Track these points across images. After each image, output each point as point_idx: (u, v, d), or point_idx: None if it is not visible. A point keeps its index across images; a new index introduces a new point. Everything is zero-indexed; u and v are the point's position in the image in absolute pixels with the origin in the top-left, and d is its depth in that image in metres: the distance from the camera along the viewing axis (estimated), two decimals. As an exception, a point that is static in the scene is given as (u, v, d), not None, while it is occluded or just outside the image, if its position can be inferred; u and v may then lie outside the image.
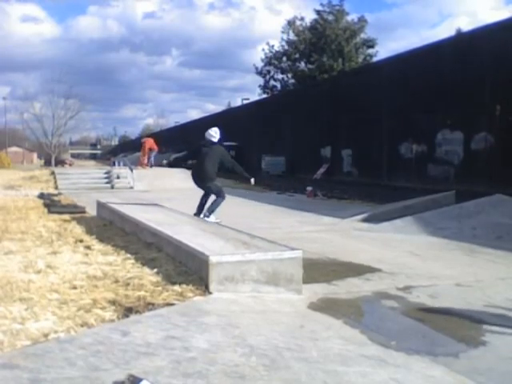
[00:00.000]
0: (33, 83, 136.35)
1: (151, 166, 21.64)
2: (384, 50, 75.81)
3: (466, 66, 13.39)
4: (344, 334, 3.30)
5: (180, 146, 34.99)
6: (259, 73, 40.29)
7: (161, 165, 20.42)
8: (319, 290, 4.39)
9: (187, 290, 3.88)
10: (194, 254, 4.34)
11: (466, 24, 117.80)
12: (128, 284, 4.06)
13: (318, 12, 37.54)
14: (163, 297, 3.73)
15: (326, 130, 21.13)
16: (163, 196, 12.86)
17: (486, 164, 12.63)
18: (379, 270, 5.22)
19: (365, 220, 8.95)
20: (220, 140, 8.66)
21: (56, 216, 8.81)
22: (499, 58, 12.35)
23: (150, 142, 22.34)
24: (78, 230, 7.18)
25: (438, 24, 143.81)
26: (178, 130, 50.03)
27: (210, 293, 3.86)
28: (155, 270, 4.48)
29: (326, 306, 3.94)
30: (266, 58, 39.84)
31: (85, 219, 8.46)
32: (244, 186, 18.72)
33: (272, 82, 40.14)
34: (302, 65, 38.28)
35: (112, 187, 17.72)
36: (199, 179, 8.48)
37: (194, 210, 8.34)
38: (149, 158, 21.95)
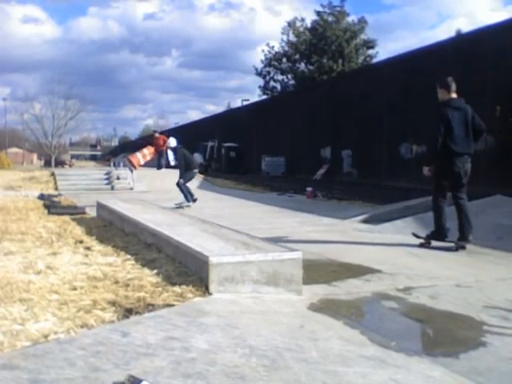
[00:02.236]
0: (33, 84, 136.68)
1: (159, 168, 20.81)
2: (383, 51, 76.04)
3: (467, 67, 13.39)
4: (344, 335, 3.30)
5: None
6: (259, 74, 40.28)
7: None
8: (319, 291, 4.38)
9: (187, 290, 3.87)
10: (193, 254, 4.34)
11: (465, 25, 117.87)
12: (128, 285, 4.06)
13: (318, 13, 37.56)
14: (163, 298, 3.73)
15: (325, 131, 21.13)
16: (163, 197, 12.85)
17: (485, 164, 12.61)
18: (379, 271, 5.21)
19: (365, 221, 8.95)
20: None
21: (56, 217, 8.82)
22: (500, 59, 12.35)
23: (162, 139, 20.30)
24: (77, 230, 7.18)
25: (436, 25, 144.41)
26: (178, 131, 50.05)
27: (210, 293, 3.86)
28: (155, 270, 4.48)
29: (325, 307, 3.93)
30: (266, 59, 39.84)
31: (85, 220, 8.46)
32: (244, 186, 18.72)
33: (272, 83, 40.14)
34: (302, 66, 38.27)
35: (112, 188, 17.72)
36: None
37: (193, 212, 8.37)
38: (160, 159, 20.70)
